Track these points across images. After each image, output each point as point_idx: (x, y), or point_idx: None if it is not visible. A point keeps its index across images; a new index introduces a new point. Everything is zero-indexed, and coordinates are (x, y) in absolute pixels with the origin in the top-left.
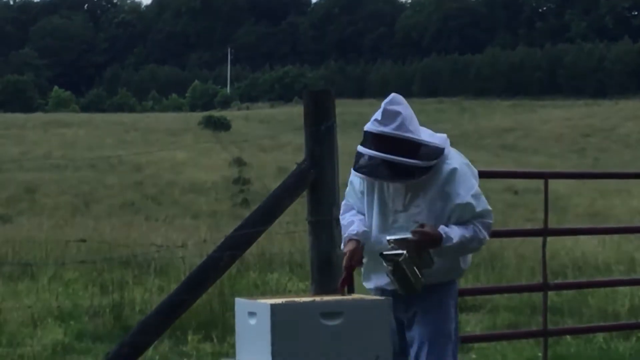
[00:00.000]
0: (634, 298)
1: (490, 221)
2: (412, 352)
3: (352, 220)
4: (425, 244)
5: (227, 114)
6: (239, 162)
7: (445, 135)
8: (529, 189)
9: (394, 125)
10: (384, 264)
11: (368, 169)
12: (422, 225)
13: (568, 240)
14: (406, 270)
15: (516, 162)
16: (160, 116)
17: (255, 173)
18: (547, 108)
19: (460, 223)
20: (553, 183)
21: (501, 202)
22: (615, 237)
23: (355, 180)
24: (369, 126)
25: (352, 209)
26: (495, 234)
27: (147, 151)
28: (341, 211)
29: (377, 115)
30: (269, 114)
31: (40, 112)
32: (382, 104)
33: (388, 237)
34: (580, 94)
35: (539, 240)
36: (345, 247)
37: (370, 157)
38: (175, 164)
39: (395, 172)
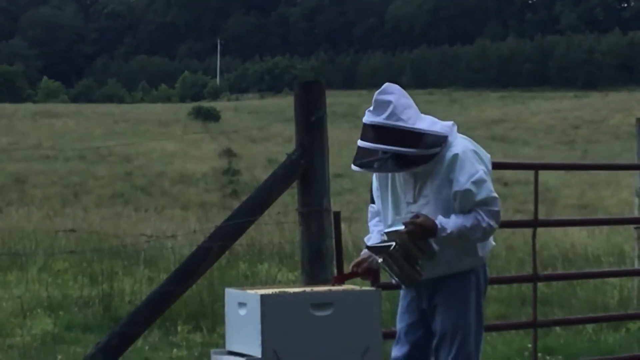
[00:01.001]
0: (623, 289)
1: (496, 209)
2: (434, 342)
3: (372, 232)
4: (418, 234)
5: (217, 104)
6: (229, 153)
7: (451, 122)
8: (518, 180)
9: (385, 115)
10: (376, 257)
11: (368, 163)
12: (416, 216)
13: (557, 232)
14: (398, 261)
15: (506, 153)
16: (150, 107)
17: (245, 164)
18: (536, 100)
19: (463, 211)
20: (543, 175)
21: None
22: (605, 228)
23: (373, 179)
24: (364, 118)
25: (377, 215)
26: None
27: (136, 142)
28: (368, 217)
29: (371, 106)
30: (259, 105)
31: (30, 102)
32: (375, 94)
33: (384, 231)
34: (570, 85)
35: (528, 232)
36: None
37: (369, 149)
38: (164, 154)
39: (395, 162)
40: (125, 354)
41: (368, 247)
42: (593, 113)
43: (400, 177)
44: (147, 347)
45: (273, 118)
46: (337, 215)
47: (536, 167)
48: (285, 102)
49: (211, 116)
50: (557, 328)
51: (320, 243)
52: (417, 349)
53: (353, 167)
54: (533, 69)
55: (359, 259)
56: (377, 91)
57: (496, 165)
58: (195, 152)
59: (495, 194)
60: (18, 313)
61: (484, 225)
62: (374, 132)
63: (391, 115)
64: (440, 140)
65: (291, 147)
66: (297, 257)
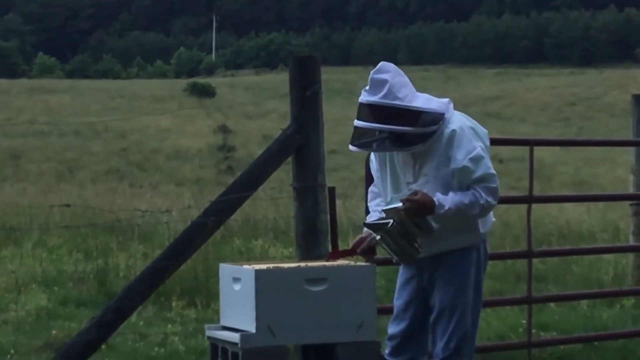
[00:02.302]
0: (617, 266)
1: (494, 185)
2: (432, 317)
3: (371, 213)
4: (415, 211)
5: (212, 81)
6: (224, 129)
7: (447, 99)
8: (513, 157)
9: (381, 94)
10: (374, 235)
11: (366, 143)
12: (414, 193)
13: (552, 208)
14: (395, 238)
15: (501, 130)
16: (145, 83)
17: (240, 140)
18: (532, 76)
19: (462, 188)
20: (538, 151)
21: None
22: (600, 205)
23: (372, 158)
24: (360, 98)
25: (378, 196)
26: None
27: (131, 117)
28: (369, 197)
29: (367, 85)
30: (254, 81)
31: (25, 78)
32: (370, 73)
33: (382, 208)
34: (566, 62)
35: (523, 208)
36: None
37: (366, 129)
38: (159, 130)
39: (393, 142)
40: (120, 329)
41: (366, 224)
42: (589, 90)
43: (399, 157)
44: (141, 323)
45: (268, 94)
46: (331, 190)
47: (531, 143)
48: (281, 78)
49: (206, 92)
50: (552, 304)
51: (315, 218)
52: (416, 326)
53: (351, 147)
54: (529, 45)
55: (359, 237)
56: (373, 70)
57: (492, 141)
58: (191, 128)
59: (493, 171)
60: (12, 288)
61: (482, 202)
62: (371, 111)
63: (387, 95)
64: (437, 118)
65: (286, 123)
66: (291, 233)
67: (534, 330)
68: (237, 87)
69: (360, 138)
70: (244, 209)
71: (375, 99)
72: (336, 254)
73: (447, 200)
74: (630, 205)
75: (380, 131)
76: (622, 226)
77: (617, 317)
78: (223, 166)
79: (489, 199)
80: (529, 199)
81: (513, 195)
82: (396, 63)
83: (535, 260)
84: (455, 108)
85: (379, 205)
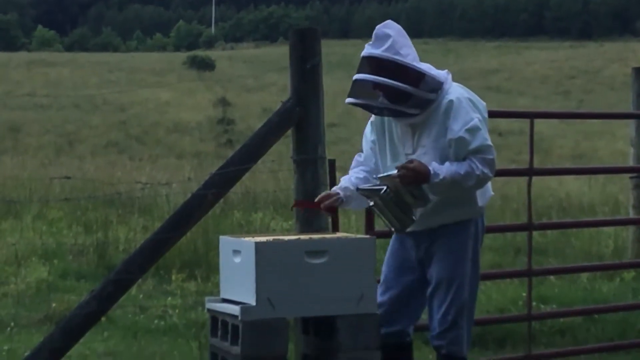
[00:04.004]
0: (617, 239)
1: (491, 157)
2: (429, 290)
3: (346, 177)
4: (410, 179)
5: (212, 54)
6: (224, 103)
7: (445, 70)
8: (513, 130)
9: (383, 47)
10: (367, 201)
11: (366, 105)
12: (410, 161)
13: (552, 182)
14: (389, 206)
15: (501, 103)
16: (145, 56)
17: (240, 113)
18: (532, 50)
19: (458, 159)
20: (537, 125)
21: None
22: (600, 178)
23: (367, 129)
24: (362, 52)
25: (361, 165)
26: None
27: (131, 90)
28: (352, 164)
29: (371, 40)
30: (254, 55)
31: (24, 51)
32: (375, 28)
33: (378, 176)
34: (566, 35)
35: (523, 181)
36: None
37: (364, 81)
38: (159, 104)
39: (393, 104)
40: (120, 301)
41: (359, 190)
42: (588, 63)
43: (397, 128)
44: (141, 296)
45: (268, 67)
46: (332, 163)
47: (531, 116)
48: (280, 52)
49: (206, 65)
50: (552, 277)
51: (315, 191)
52: (407, 296)
53: (347, 100)
54: (528, 19)
55: (326, 193)
56: (377, 26)
57: (491, 114)
58: (190, 101)
59: (489, 142)
60: (12, 261)
61: (478, 172)
62: (372, 65)
63: (390, 48)
64: (437, 86)
65: (286, 96)
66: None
67: (534, 303)
68: (237, 60)
69: (359, 96)
70: (243, 182)
71: (377, 51)
72: (301, 204)
73: (443, 169)
74: (630, 178)
75: (380, 87)
76: (622, 199)
77: (617, 290)
78: (223, 139)
79: (485, 171)
80: (529, 172)
81: (513, 167)
82: None
83: (535, 234)
84: (455, 81)
85: (358, 172)
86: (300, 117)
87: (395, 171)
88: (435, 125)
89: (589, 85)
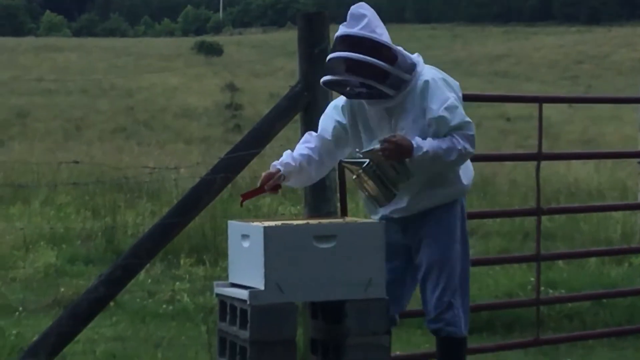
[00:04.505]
0: (626, 224)
1: (471, 133)
2: (420, 275)
3: (288, 151)
4: (393, 152)
5: (220, 39)
6: (231, 88)
7: (417, 54)
8: (521, 116)
9: (359, 26)
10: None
11: (341, 89)
12: (393, 135)
13: (561, 167)
14: (372, 179)
15: (509, 88)
16: (153, 41)
17: (248, 98)
18: (540, 35)
19: (438, 137)
20: (546, 110)
21: (493, 129)
22: (608, 164)
23: (332, 111)
24: (337, 33)
25: (308, 141)
26: (489, 158)
27: (139, 75)
28: (302, 139)
29: (345, 20)
30: (262, 40)
31: (32, 36)
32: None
33: (361, 151)
34: (574, 20)
35: (531, 166)
36: (267, 171)
37: (339, 60)
38: (167, 89)
39: (368, 91)
40: (128, 286)
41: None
42: (596, 48)
43: (374, 116)
44: (149, 280)
45: (276, 52)
46: None
47: (540, 100)
48: (288, 36)
49: (214, 50)
50: (560, 262)
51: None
52: (395, 282)
53: (323, 79)
54: (536, 3)
55: (267, 173)
56: (352, 6)
57: (501, 99)
58: (198, 86)
59: (468, 119)
60: (21, 246)
61: (460, 147)
62: (349, 44)
63: (366, 27)
64: (411, 67)
65: (294, 81)
66: (299, 191)
67: (542, 288)
68: (245, 46)
69: (335, 75)
70: (251, 167)
71: (354, 30)
72: (248, 195)
73: (426, 143)
74: (639, 163)
75: (355, 72)
76: (630, 184)
77: (625, 274)
78: (230, 124)
79: (467, 146)
80: (538, 156)
81: (521, 152)
82: (403, 21)
83: (543, 219)
84: (463, 66)
85: (303, 149)
86: (309, 101)
87: (378, 145)
88: (412, 107)
89: (597, 70)
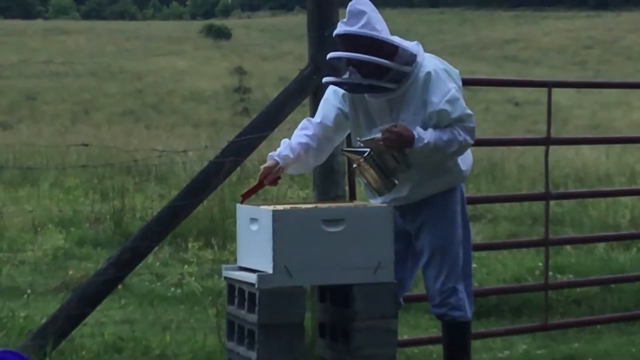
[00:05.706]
0: (634, 209)
1: (472, 125)
2: (422, 261)
3: (285, 140)
4: (394, 142)
5: (228, 22)
6: (240, 71)
7: (415, 42)
8: (529, 100)
9: (359, 24)
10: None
11: (345, 84)
12: (394, 125)
13: (569, 152)
14: (372, 168)
15: (518, 73)
16: (161, 24)
17: (256, 82)
18: (549, 19)
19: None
20: (554, 95)
21: (502, 114)
22: (617, 148)
23: (332, 97)
24: (336, 30)
25: (306, 128)
26: (498, 143)
27: (147, 58)
28: (299, 125)
29: (345, 17)
30: (270, 23)
31: (41, 19)
32: (348, 5)
33: (361, 139)
34: (583, 5)
35: (539, 151)
36: (265, 164)
37: (340, 59)
38: (175, 72)
39: (368, 85)
40: (136, 269)
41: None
42: (605, 33)
43: (375, 106)
44: (157, 263)
45: (284, 36)
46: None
47: (549, 85)
48: (297, 20)
49: (222, 34)
50: (569, 247)
51: (332, 159)
52: (395, 262)
53: (325, 79)
54: None
55: (265, 168)
56: (350, 3)
57: (511, 83)
58: (207, 69)
59: (469, 111)
60: (29, 229)
61: (460, 139)
62: (349, 42)
63: (366, 25)
64: (412, 59)
65: (302, 65)
66: (308, 174)
67: (550, 273)
68: (253, 29)
69: (336, 77)
70: (260, 150)
71: (354, 29)
72: (248, 194)
73: (427, 134)
74: None
75: (356, 64)
76: (638, 169)
77: (634, 260)
78: (239, 108)
79: (467, 138)
80: (547, 141)
81: (530, 137)
82: (412, 6)
83: (552, 204)
84: (472, 51)
85: (301, 137)
86: (317, 85)
87: (379, 134)
88: (414, 99)
89: (605, 55)
